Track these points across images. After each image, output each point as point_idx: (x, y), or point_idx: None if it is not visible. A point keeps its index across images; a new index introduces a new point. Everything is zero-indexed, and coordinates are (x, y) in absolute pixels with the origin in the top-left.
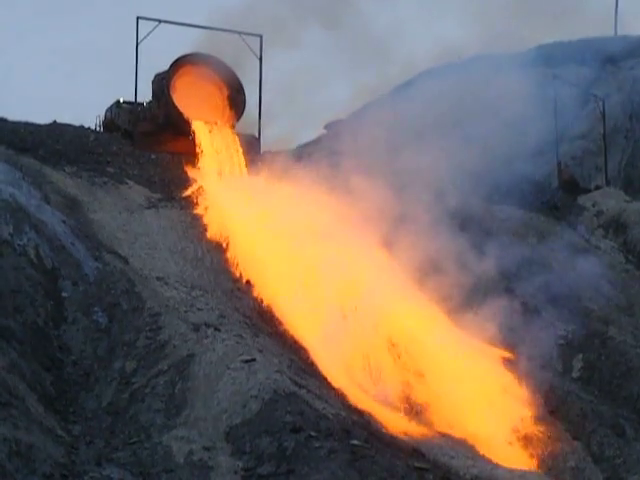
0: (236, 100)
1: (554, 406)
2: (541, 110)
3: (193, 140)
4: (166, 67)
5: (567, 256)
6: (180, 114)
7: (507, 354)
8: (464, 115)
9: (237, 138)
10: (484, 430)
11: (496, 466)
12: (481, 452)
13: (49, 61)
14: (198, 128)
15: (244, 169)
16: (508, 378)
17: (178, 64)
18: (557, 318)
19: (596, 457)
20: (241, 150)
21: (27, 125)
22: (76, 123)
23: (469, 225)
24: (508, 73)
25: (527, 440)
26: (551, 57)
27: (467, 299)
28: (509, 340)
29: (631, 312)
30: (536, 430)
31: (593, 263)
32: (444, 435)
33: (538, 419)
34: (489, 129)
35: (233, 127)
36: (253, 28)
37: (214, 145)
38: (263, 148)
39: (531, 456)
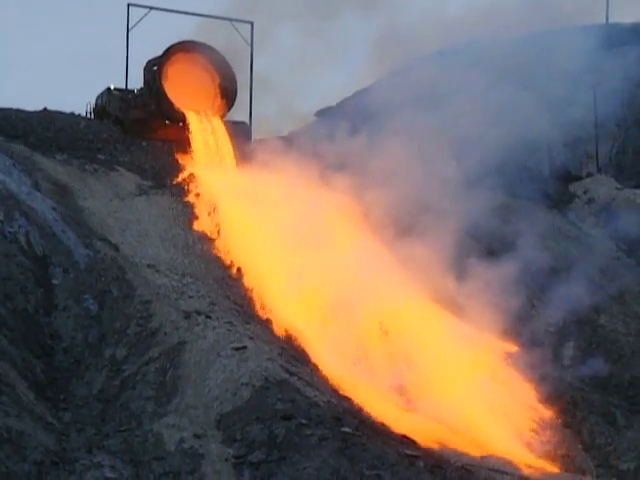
0: (227, 90)
1: (545, 394)
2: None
3: (184, 127)
4: (157, 54)
5: (557, 243)
6: (171, 104)
7: (499, 342)
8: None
9: (225, 128)
10: (475, 418)
11: (487, 454)
12: (472, 439)
13: (38, 48)
14: (189, 117)
15: (232, 158)
16: (499, 366)
17: (170, 52)
18: (548, 306)
19: (587, 445)
20: (229, 140)
21: (18, 112)
22: (67, 110)
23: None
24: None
25: (518, 427)
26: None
27: (458, 286)
28: (501, 328)
29: (622, 300)
30: (527, 418)
31: (583, 250)
32: (435, 422)
33: (529, 407)
34: (477, 117)
35: (223, 116)
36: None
37: (204, 135)
38: (254, 134)
39: (522, 443)
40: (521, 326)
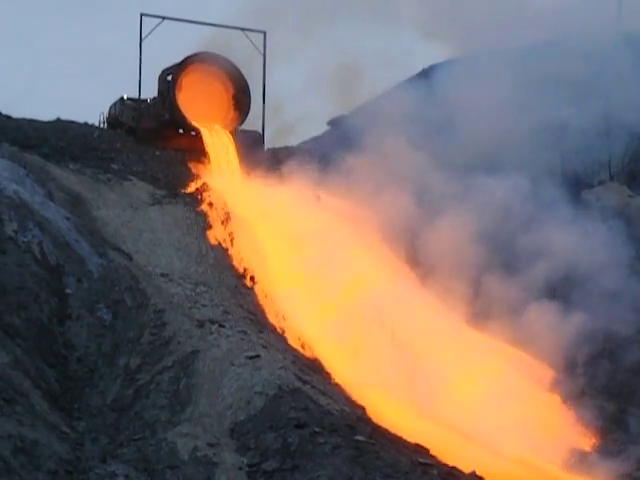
0: (241, 102)
1: (558, 401)
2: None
3: (197, 137)
4: (170, 64)
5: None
6: (184, 117)
7: (512, 348)
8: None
9: (235, 140)
10: (489, 424)
11: (500, 458)
12: (485, 444)
13: (52, 58)
14: (200, 131)
15: (242, 171)
16: (513, 373)
17: (185, 63)
18: (560, 313)
19: (602, 452)
20: (235, 154)
21: (31, 122)
22: (80, 120)
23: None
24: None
25: (531, 434)
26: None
27: (471, 293)
28: (514, 335)
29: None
30: (540, 424)
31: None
32: (449, 429)
33: (541, 414)
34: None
35: (236, 129)
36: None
37: (214, 147)
38: (268, 144)
39: (535, 448)
40: (534, 333)
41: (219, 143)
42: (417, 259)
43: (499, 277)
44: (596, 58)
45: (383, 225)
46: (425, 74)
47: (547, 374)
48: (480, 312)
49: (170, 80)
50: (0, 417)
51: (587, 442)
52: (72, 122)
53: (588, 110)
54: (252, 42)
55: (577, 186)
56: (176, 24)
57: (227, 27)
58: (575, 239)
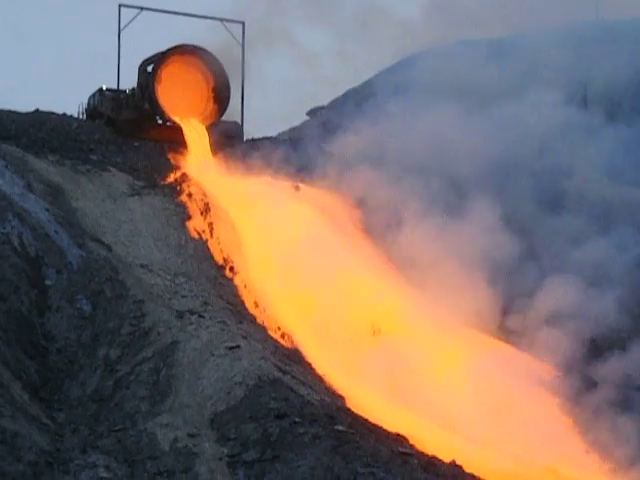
0: (220, 95)
1: (539, 392)
2: None
3: (176, 128)
4: (149, 54)
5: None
6: (163, 109)
7: (495, 341)
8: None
9: (207, 136)
10: (467, 414)
11: (478, 449)
12: (464, 435)
13: (29, 49)
14: (179, 123)
15: (215, 163)
16: (491, 365)
17: (165, 55)
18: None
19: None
20: (209, 147)
21: (9, 113)
22: (59, 111)
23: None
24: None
25: (507, 423)
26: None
27: (450, 285)
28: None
29: None
30: (519, 415)
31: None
32: (428, 419)
33: (520, 406)
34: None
35: (214, 121)
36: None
37: (192, 139)
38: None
39: (513, 438)
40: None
41: (196, 135)
42: (396, 247)
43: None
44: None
45: (362, 216)
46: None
47: (533, 368)
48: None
49: (150, 71)
50: None
51: (566, 432)
52: (51, 113)
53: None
54: (231, 33)
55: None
56: (155, 14)
57: (206, 17)
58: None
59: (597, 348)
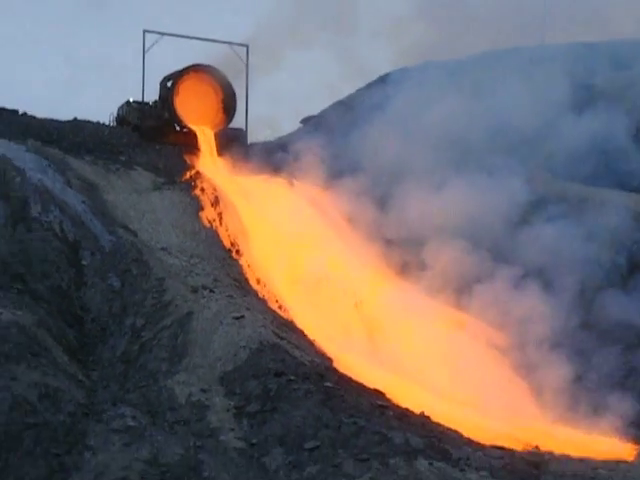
0: (228, 105)
1: (498, 357)
2: None
3: (191, 133)
4: (169, 71)
5: None
6: (180, 118)
7: (459, 315)
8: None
9: (219, 138)
10: (433, 373)
11: (443, 402)
12: (431, 390)
13: (67, 66)
14: (193, 129)
15: (221, 163)
16: (454, 332)
17: (182, 72)
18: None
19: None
20: (216, 150)
21: (52, 121)
22: (93, 119)
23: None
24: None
25: (467, 380)
26: None
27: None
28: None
29: None
30: (480, 375)
31: None
32: (400, 378)
33: (481, 368)
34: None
35: (223, 129)
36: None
37: (204, 143)
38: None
39: (476, 394)
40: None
41: (207, 140)
42: (379, 235)
43: (455, 254)
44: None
45: (347, 207)
46: (382, 80)
47: (491, 337)
48: (436, 284)
49: (169, 86)
50: (27, 368)
51: (520, 388)
52: (87, 121)
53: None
54: (237, 54)
55: None
56: (173, 38)
57: (216, 41)
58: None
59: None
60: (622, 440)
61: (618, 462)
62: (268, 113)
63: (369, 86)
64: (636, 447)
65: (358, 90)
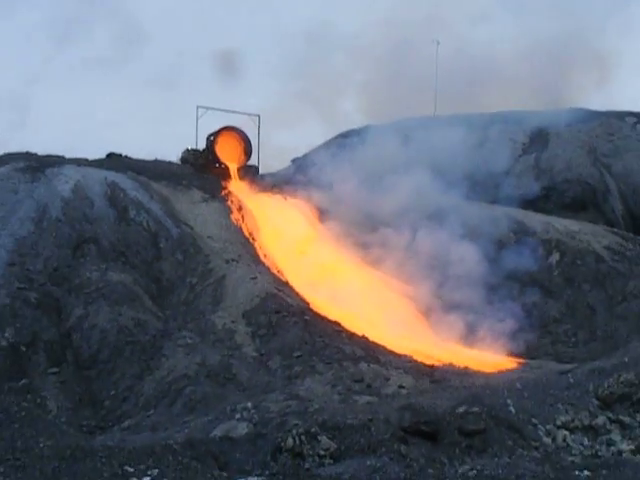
0: (247, 151)
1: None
2: None
3: (225, 168)
4: (212, 130)
5: None
6: (218, 159)
7: (386, 276)
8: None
9: (237, 172)
10: (369, 312)
11: (379, 328)
12: (367, 320)
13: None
14: (226, 165)
15: (243, 187)
16: (383, 289)
17: (219, 131)
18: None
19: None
20: (238, 178)
21: (140, 160)
22: (167, 159)
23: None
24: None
25: (390, 313)
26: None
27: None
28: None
29: None
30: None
31: None
32: (350, 314)
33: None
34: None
35: (244, 165)
36: None
37: (232, 174)
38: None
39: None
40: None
41: (234, 172)
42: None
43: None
44: None
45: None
46: (343, 136)
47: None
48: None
49: (211, 139)
50: (127, 308)
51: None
52: (163, 161)
53: None
54: (253, 120)
55: None
56: (212, 110)
57: (240, 113)
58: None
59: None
60: (508, 356)
61: (502, 371)
62: (272, 156)
63: (328, 143)
64: (517, 359)
65: (326, 141)
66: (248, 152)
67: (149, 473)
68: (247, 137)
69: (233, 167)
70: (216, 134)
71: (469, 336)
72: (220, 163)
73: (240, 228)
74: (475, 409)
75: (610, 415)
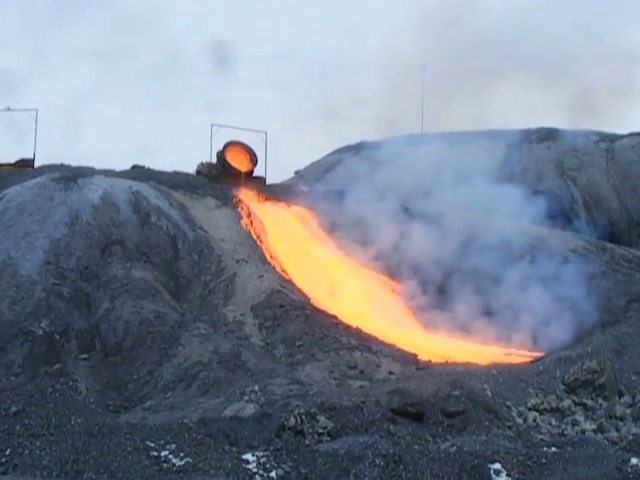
0: (253, 161)
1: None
2: None
3: (237, 177)
4: (223, 143)
5: None
6: (230, 169)
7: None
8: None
9: (246, 181)
10: (362, 307)
11: (371, 319)
12: (361, 315)
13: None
14: (237, 173)
15: (251, 195)
16: (375, 286)
17: (229, 144)
18: None
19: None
20: (247, 187)
21: (160, 172)
22: (185, 171)
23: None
24: None
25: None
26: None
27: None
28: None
29: None
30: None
31: None
32: (346, 308)
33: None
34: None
35: (251, 175)
36: None
37: (242, 183)
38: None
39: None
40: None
41: (243, 181)
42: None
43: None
44: None
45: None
46: (355, 148)
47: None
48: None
49: (223, 151)
50: (149, 302)
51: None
52: (181, 172)
53: None
54: (260, 137)
55: None
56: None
57: (249, 130)
58: None
59: None
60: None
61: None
62: (278, 168)
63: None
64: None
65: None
66: (254, 163)
67: (167, 448)
68: (253, 150)
69: (242, 177)
70: (226, 147)
71: (454, 328)
72: (232, 168)
73: (249, 232)
74: (456, 393)
75: (575, 398)
